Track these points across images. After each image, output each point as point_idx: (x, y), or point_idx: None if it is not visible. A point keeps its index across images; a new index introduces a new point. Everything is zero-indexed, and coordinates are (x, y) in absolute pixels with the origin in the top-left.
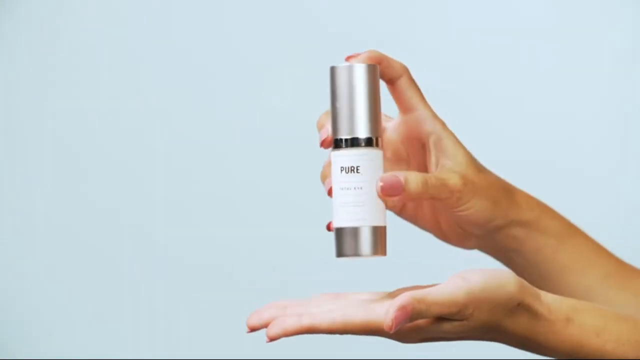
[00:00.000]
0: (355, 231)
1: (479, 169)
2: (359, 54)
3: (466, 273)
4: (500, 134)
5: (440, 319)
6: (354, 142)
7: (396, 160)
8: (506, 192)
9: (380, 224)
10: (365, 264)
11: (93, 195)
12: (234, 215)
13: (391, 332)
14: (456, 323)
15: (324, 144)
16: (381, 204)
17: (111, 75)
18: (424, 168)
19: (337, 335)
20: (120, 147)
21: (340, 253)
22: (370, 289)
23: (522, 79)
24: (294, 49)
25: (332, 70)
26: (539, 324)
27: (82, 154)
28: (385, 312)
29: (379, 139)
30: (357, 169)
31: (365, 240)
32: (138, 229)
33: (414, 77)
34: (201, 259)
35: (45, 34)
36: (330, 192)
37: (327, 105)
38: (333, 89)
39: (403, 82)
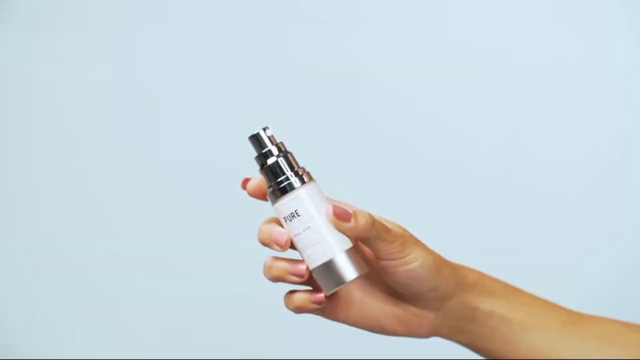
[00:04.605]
0: (327, 265)
1: None
2: None
3: None
4: (500, 134)
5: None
6: (284, 190)
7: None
8: (446, 262)
9: (345, 247)
10: None
11: (93, 195)
12: (235, 215)
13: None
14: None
15: (243, 184)
16: (335, 232)
17: (111, 75)
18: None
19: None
20: (120, 147)
21: (328, 289)
22: None
23: (521, 79)
24: (293, 49)
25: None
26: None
27: (82, 154)
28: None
29: (304, 175)
30: (296, 213)
31: (342, 267)
32: (138, 229)
33: (416, 77)
34: (201, 258)
35: (45, 33)
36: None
37: (325, 107)
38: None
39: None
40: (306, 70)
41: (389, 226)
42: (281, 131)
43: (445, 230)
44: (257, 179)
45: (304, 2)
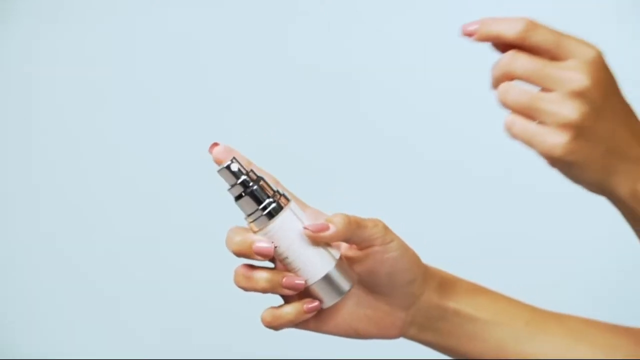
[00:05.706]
0: (323, 280)
1: None
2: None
3: None
4: (500, 134)
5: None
6: (261, 222)
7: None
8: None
9: (332, 260)
10: None
11: (93, 195)
12: (235, 215)
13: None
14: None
15: (210, 148)
16: (318, 250)
17: (111, 75)
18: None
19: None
20: (120, 147)
21: (327, 302)
22: None
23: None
24: (293, 49)
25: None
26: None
27: (82, 154)
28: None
29: (280, 200)
30: (274, 247)
31: (337, 279)
32: (138, 229)
33: (416, 77)
34: (201, 258)
35: (45, 33)
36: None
37: (325, 107)
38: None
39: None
40: (306, 70)
41: (362, 217)
42: (281, 131)
43: (446, 230)
44: (224, 146)
45: (304, 2)
